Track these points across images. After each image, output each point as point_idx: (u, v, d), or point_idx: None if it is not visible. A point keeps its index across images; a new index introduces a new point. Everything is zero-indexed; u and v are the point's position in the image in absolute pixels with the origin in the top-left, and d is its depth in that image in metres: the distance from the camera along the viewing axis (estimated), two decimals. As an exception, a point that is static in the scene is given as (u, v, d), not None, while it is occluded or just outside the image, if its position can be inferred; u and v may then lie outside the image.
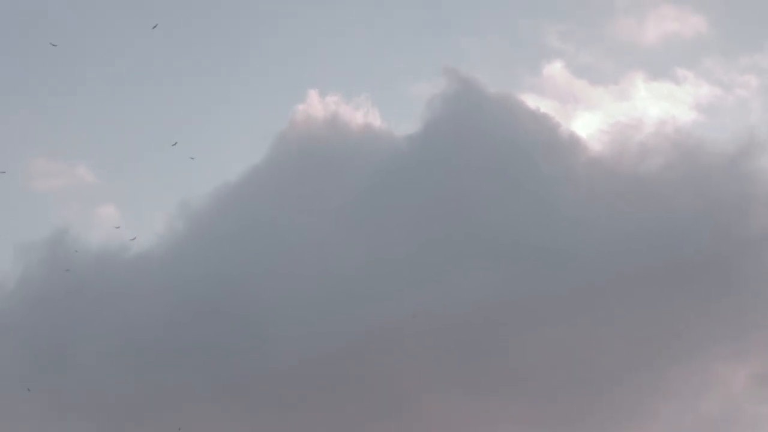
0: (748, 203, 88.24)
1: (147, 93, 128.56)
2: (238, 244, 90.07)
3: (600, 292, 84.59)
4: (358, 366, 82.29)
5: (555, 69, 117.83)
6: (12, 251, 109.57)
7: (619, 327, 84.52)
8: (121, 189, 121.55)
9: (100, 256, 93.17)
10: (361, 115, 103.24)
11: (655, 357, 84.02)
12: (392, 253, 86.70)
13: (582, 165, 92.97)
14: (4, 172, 74.06)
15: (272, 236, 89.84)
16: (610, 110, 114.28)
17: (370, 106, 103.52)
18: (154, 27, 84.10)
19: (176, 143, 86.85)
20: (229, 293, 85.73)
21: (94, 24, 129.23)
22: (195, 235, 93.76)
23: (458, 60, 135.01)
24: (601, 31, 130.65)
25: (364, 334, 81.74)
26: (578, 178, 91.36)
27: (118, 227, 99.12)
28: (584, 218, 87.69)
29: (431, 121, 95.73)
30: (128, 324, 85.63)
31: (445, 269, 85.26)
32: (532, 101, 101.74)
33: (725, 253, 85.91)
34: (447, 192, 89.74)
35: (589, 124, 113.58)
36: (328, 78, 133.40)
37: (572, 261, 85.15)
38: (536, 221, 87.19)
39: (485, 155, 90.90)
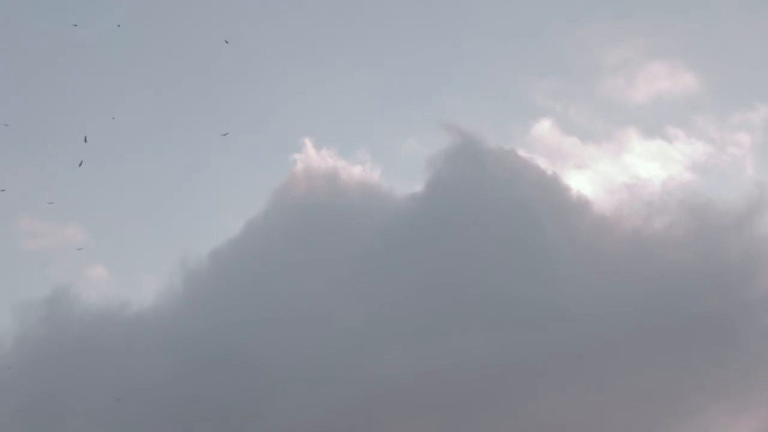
0: (753, 264, 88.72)
1: (139, 151, 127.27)
2: (236, 301, 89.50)
3: (605, 351, 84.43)
4: (360, 424, 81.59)
5: (544, 127, 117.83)
6: (6, 310, 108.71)
7: (623, 385, 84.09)
8: (113, 248, 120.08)
9: (98, 315, 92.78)
10: (359, 170, 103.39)
11: (660, 414, 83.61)
12: (395, 312, 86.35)
13: (586, 224, 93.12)
14: None
15: (271, 294, 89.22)
16: (600, 168, 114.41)
17: (369, 161, 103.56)
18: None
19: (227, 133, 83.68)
20: (229, 351, 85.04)
21: (87, 81, 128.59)
22: (193, 293, 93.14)
23: (444, 117, 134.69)
24: (591, 89, 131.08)
25: (364, 392, 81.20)
26: (582, 238, 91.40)
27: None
28: (588, 278, 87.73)
29: (434, 180, 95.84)
30: (126, 383, 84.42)
31: (447, 328, 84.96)
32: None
33: (730, 314, 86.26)
34: (451, 251, 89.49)
35: (579, 182, 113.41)
36: (323, 132, 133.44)
37: (576, 321, 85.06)
38: (540, 281, 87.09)
39: (489, 215, 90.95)
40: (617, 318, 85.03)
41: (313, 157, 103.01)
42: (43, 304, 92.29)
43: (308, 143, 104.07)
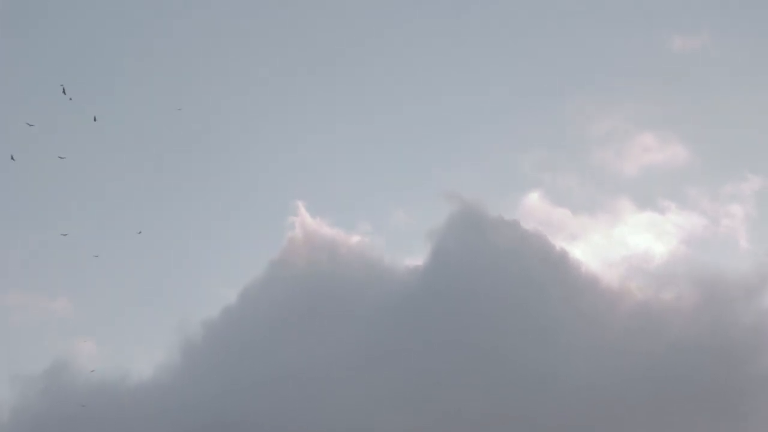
0: (760, 337, 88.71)
1: (132, 220, 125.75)
2: (235, 370, 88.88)
3: (608, 421, 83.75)
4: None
5: (534, 198, 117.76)
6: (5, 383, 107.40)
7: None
8: (109, 320, 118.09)
9: (96, 388, 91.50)
10: (357, 239, 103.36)
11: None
12: (396, 384, 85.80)
13: (592, 297, 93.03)
14: None
15: (271, 362, 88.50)
16: (594, 240, 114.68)
17: (370, 232, 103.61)
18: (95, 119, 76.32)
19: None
20: (229, 416, 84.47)
21: (76, 150, 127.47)
22: (192, 362, 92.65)
23: (434, 187, 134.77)
24: (581, 160, 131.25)
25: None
26: (585, 309, 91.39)
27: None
28: (593, 348, 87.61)
29: (437, 250, 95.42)
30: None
31: (447, 385, 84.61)
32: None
33: (735, 387, 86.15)
34: (456, 320, 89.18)
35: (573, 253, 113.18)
36: (317, 200, 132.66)
37: (581, 390, 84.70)
38: (545, 350, 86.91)
39: (493, 285, 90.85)
40: (620, 388, 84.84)
41: (309, 224, 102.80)
42: (42, 376, 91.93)
43: (301, 206, 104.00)
